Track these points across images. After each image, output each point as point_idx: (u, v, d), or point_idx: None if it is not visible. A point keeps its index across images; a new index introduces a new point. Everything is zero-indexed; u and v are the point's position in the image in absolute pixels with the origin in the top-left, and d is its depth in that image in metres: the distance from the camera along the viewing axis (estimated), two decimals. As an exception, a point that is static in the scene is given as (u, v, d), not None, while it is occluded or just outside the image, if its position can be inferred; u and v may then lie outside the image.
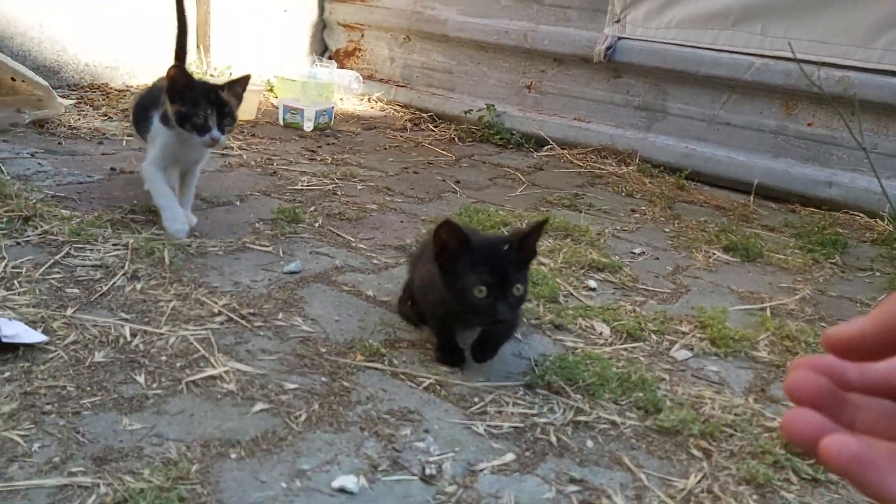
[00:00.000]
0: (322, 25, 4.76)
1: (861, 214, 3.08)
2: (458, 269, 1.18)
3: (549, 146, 3.77)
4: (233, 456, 1.02)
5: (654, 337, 1.64)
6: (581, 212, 2.74)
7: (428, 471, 1.04)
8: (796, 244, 2.61)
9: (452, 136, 3.82)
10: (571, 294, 1.87)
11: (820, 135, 3.29)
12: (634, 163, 3.55)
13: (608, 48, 3.61)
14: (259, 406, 1.15)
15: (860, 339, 0.35)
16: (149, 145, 1.86)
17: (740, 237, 2.55)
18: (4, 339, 1.17)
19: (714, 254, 2.41)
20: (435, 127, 3.99)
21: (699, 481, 1.12)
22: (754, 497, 1.10)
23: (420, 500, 0.99)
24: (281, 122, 3.51)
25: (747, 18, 3.30)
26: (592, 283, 1.97)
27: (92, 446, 1.00)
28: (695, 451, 1.20)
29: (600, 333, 1.63)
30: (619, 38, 3.61)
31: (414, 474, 1.04)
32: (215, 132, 1.70)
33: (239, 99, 1.78)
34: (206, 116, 1.68)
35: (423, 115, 4.12)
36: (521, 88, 4.04)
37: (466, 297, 1.17)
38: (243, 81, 1.80)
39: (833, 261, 2.49)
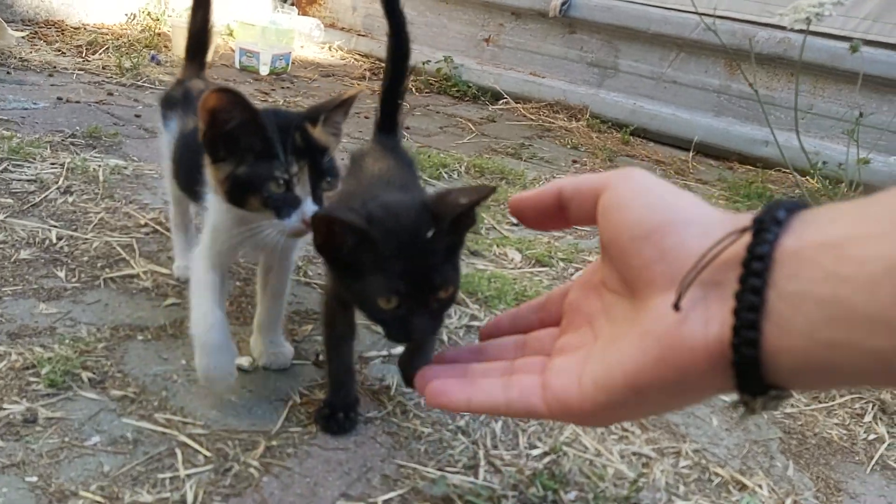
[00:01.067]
0: (285, -29, 4.73)
1: (794, 173, 3.22)
2: (358, 264, 0.74)
3: (504, 100, 3.84)
4: (139, 338, 1.12)
5: (561, 264, 1.76)
6: (523, 160, 2.84)
7: (322, 357, 1.15)
8: (722, 195, 2.75)
9: (410, 86, 3.88)
10: (494, 227, 1.98)
11: (759, 95, 3.41)
12: (584, 118, 3.65)
13: (563, 3, 3.67)
14: (171, 300, 1.24)
15: (535, 203, 0.47)
16: (205, 217, 1.03)
17: (671, 187, 2.67)
18: (-69, 234, 1.24)
19: (642, 200, 2.53)
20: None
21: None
22: (616, 390, 1.23)
23: (308, 378, 1.10)
24: (237, 65, 3.53)
25: (696, -22, 3.38)
26: (515, 220, 2.08)
27: (9, 325, 1.09)
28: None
29: (511, 259, 1.74)
30: (575, -6, 3.68)
31: (308, 360, 1.15)
32: (310, 206, 0.85)
33: (339, 135, 0.95)
34: (291, 179, 0.84)
35: (383, 64, 4.16)
36: (480, 42, 4.09)
37: (368, 307, 0.76)
38: (347, 104, 0.94)
39: (752, 210, 2.63)
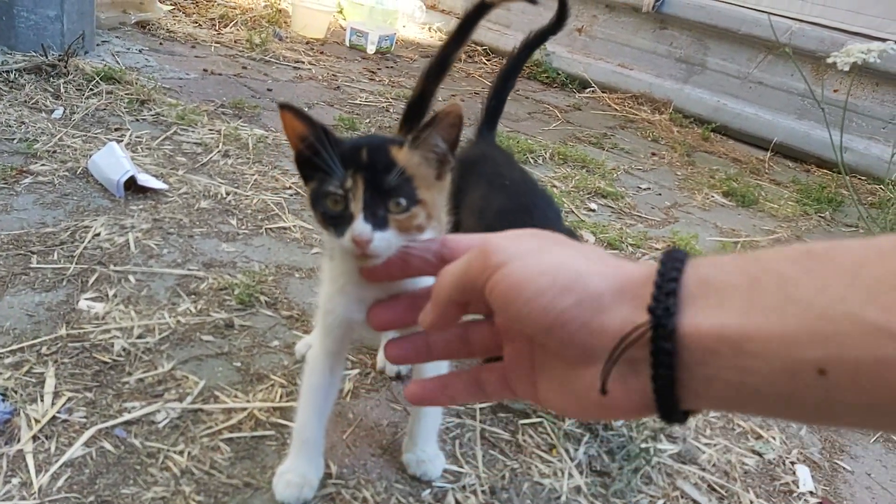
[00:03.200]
0: (394, -47, 5.03)
1: (868, 179, 3.32)
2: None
3: (592, 88, 4.05)
4: (296, 276, 1.47)
5: (629, 248, 2.01)
6: (604, 149, 3.07)
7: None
8: (792, 197, 2.90)
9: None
10: (572, 212, 2.24)
11: (843, 101, 3.49)
12: (668, 112, 3.82)
13: None
14: (315, 250, 1.59)
15: (435, 324, 0.50)
16: None
17: (743, 186, 2.86)
18: (140, 182, 1.62)
19: (713, 196, 2.73)
20: (487, 60, 4.30)
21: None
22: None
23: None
24: (347, 43, 3.88)
25: (792, -17, 3.47)
26: (593, 206, 2.34)
27: (202, 256, 1.46)
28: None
29: (586, 241, 2.01)
30: (670, -9, 3.82)
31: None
32: (360, 226, 0.74)
33: (440, 151, 0.81)
34: (346, 194, 0.76)
35: (479, 48, 4.43)
36: (573, 31, 4.29)
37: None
38: (446, 119, 0.80)
39: (822, 215, 2.79)
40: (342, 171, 0.75)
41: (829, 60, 1.57)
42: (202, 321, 1.26)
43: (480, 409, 1.20)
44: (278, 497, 0.93)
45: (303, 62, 3.29)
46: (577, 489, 1.07)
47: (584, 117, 3.58)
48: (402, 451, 1.05)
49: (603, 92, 4.02)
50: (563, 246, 0.46)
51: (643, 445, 1.17)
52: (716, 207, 2.64)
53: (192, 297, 1.32)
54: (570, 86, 4.09)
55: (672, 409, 0.39)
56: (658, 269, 0.40)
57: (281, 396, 1.11)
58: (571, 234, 1.30)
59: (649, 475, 1.13)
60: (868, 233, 2.71)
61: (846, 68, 1.57)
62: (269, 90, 2.74)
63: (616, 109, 3.84)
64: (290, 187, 1.88)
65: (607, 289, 0.41)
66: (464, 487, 1.02)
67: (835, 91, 3.50)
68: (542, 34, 1.49)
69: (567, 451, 1.14)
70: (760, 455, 1.25)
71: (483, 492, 1.03)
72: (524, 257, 0.44)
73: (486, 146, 1.48)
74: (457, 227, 1.45)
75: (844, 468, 1.28)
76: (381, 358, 1.25)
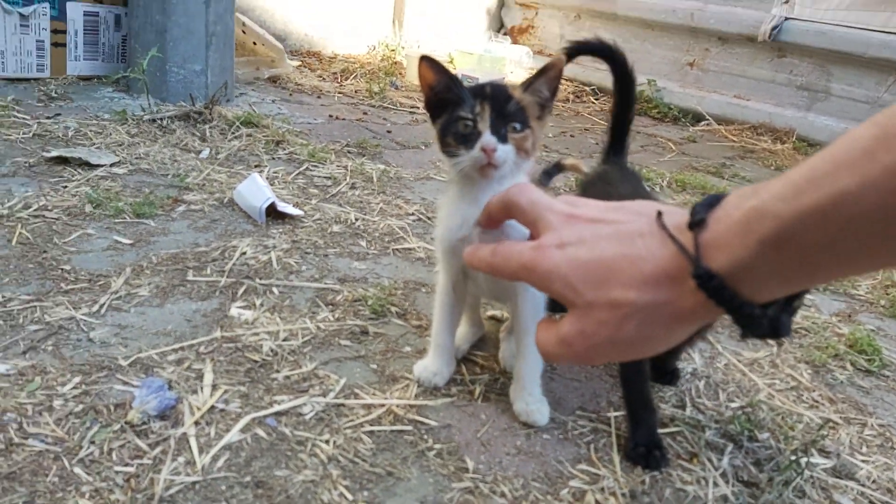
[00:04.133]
0: (500, 4, 5.22)
1: None
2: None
3: (706, 121, 3.96)
4: (423, 290, 1.52)
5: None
6: (724, 178, 2.98)
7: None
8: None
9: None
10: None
11: None
12: (790, 141, 3.67)
13: (774, 28, 3.72)
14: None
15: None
16: None
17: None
18: (279, 209, 1.75)
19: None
20: (596, 99, 4.32)
21: (765, 356, 1.45)
22: (808, 372, 1.41)
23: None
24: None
25: (925, 0, 3.29)
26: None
27: (336, 273, 1.54)
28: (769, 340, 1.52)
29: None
30: (787, 19, 3.71)
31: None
32: (488, 137, 0.96)
33: (543, 102, 1.03)
34: (475, 117, 0.98)
35: (586, 88, 4.46)
36: (684, 66, 4.24)
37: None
38: (551, 71, 1.02)
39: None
40: (472, 100, 1.00)
41: None
42: (340, 328, 1.32)
43: (615, 416, 1.17)
44: (416, 376, 1.17)
45: (417, 107, 3.44)
46: (724, 498, 1.02)
47: (700, 149, 3.50)
48: (511, 402, 1.14)
49: (719, 124, 3.92)
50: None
51: (792, 458, 1.10)
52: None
53: (330, 307, 1.39)
54: (683, 120, 4.02)
55: (701, 225, 0.46)
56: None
57: (417, 395, 1.14)
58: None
59: (802, 488, 1.06)
60: None
61: None
62: (389, 132, 2.88)
63: (734, 140, 3.73)
64: (412, 213, 1.96)
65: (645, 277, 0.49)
66: (602, 489, 1.00)
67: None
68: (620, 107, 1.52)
69: (710, 460, 1.09)
70: (929, 478, 1.14)
71: (623, 494, 1.00)
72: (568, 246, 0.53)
73: (606, 168, 1.47)
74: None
75: None
76: (501, 356, 1.28)
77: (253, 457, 0.97)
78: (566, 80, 4.68)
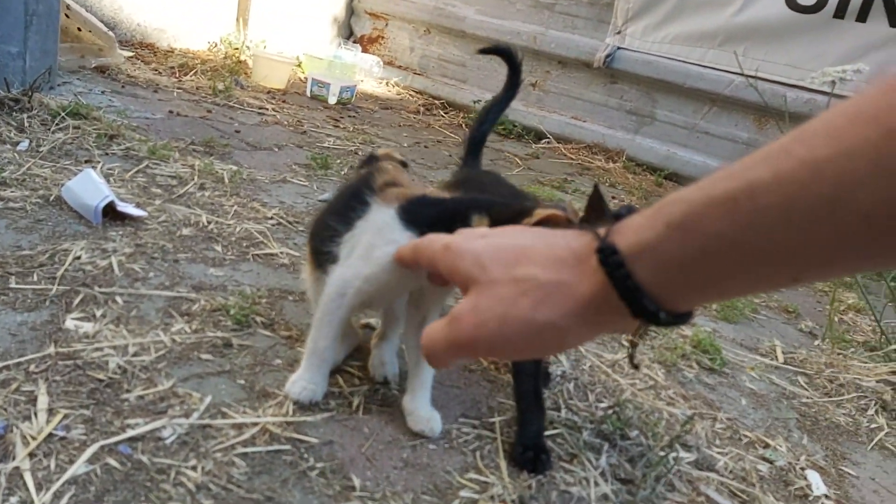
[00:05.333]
0: (350, 12, 5.16)
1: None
2: None
3: (547, 139, 4.18)
4: (290, 298, 1.42)
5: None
6: (567, 192, 3.14)
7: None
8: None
9: (461, 122, 4.23)
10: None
11: (785, 149, 3.71)
12: (621, 160, 3.97)
13: (608, 56, 4.02)
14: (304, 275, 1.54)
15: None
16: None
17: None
18: (119, 209, 1.56)
19: (676, 234, 2.82)
20: (445, 113, 4.40)
21: (624, 358, 1.52)
22: (662, 371, 1.50)
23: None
24: (308, 93, 3.90)
25: (732, 41, 3.71)
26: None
27: (190, 280, 1.40)
28: (624, 342, 1.60)
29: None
30: (619, 48, 4.03)
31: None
32: None
33: None
34: None
35: (436, 101, 4.53)
36: (527, 86, 4.44)
37: None
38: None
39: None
40: None
41: (808, 81, 1.67)
42: (199, 340, 1.19)
43: (499, 421, 1.16)
44: (291, 392, 1.07)
45: (266, 108, 3.29)
46: (605, 497, 1.04)
47: (543, 164, 3.67)
48: (406, 412, 1.10)
49: (558, 142, 4.15)
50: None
51: (661, 454, 1.15)
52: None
53: (186, 317, 1.25)
54: (526, 137, 4.21)
55: (613, 252, 0.44)
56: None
57: (294, 411, 1.05)
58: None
59: (672, 482, 1.11)
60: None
61: (825, 87, 1.68)
62: (237, 132, 2.71)
63: (572, 158, 3.96)
64: (271, 217, 1.84)
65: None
66: (492, 497, 0.98)
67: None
68: (502, 101, 1.58)
69: (589, 460, 1.11)
70: (771, 462, 1.25)
71: (512, 501, 0.98)
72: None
73: (468, 173, 1.50)
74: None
75: (850, 473, 1.30)
76: (371, 365, 1.22)
77: (105, 490, 0.83)
78: (417, 92, 4.72)
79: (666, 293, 0.43)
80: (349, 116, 3.70)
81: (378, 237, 1.00)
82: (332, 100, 3.86)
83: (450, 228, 0.89)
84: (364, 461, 0.99)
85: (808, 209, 0.37)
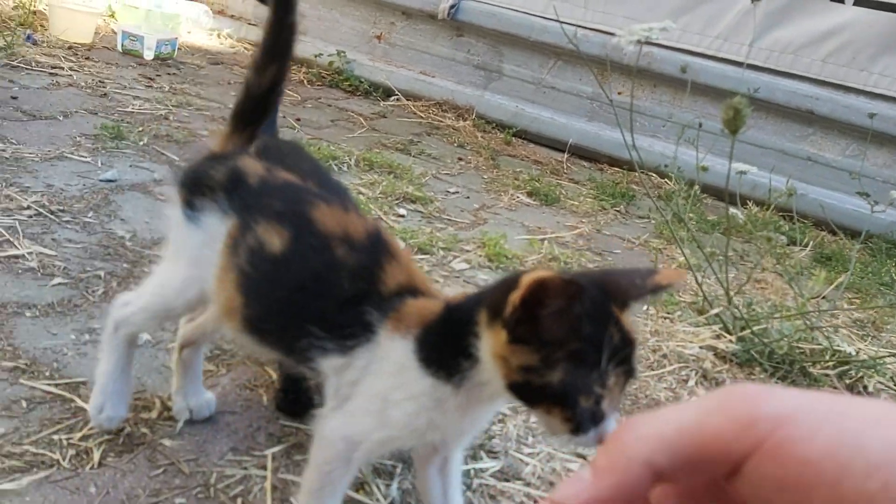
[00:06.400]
0: (173, -46, 4.62)
1: (655, 175, 3.57)
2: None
3: (396, 96, 3.97)
4: (28, 315, 1.16)
5: (441, 252, 1.91)
6: (411, 155, 2.98)
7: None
8: (590, 194, 3.01)
9: (302, 78, 3.92)
10: (381, 218, 2.10)
11: (627, 103, 3.74)
12: (471, 118, 3.84)
13: (452, 6, 3.85)
14: (58, 280, 1.28)
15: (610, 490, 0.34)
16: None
17: (545, 186, 2.91)
18: None
19: (518, 197, 2.74)
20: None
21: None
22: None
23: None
24: (119, 48, 3.44)
25: (574, -9, 3.65)
26: (402, 211, 2.22)
27: None
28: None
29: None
30: (463, -1, 3.86)
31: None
32: (611, 424, 0.65)
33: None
34: (605, 392, 0.65)
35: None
36: (372, 38, 4.20)
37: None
38: (662, 289, 0.71)
39: (618, 209, 2.92)
40: (607, 367, 0.63)
41: (614, 40, 1.58)
42: None
43: (274, 453, 0.99)
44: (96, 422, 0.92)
45: (62, 68, 2.84)
46: (391, 533, 0.91)
47: (390, 124, 3.48)
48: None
49: (408, 99, 3.96)
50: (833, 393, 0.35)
51: (463, 468, 1.04)
52: (521, 207, 2.64)
53: None
54: (375, 94, 3.98)
55: None
56: None
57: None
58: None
59: (470, 501, 1.00)
60: (658, 221, 2.88)
61: (630, 46, 1.60)
62: (14, 98, 2.30)
63: (421, 117, 3.79)
64: (28, 207, 1.53)
65: None
66: (249, 559, 0.82)
67: (619, 93, 3.73)
68: None
69: (378, 487, 0.97)
70: (585, 458, 1.18)
71: (274, 560, 0.82)
72: (816, 403, 0.32)
73: (266, 141, 1.28)
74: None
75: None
76: (180, 407, 1.01)
77: None
78: (252, 45, 4.33)
79: None
80: (168, 74, 3.30)
81: (394, 386, 0.73)
82: (149, 55, 3.43)
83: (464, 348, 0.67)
84: (82, 535, 0.79)
85: None
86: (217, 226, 0.84)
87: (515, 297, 0.61)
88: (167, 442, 0.96)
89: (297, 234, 0.79)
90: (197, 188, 0.87)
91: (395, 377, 0.73)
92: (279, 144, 1.27)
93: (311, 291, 0.77)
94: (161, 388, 1.07)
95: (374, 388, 0.74)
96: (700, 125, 2.40)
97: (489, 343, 0.66)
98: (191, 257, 0.86)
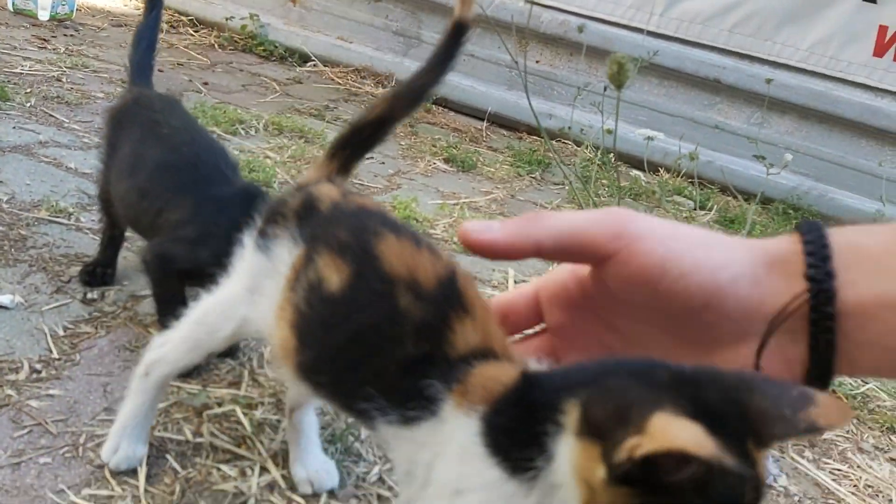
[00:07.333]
0: None
1: (572, 143, 3.63)
2: None
3: (313, 62, 3.87)
4: None
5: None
6: (325, 121, 2.92)
7: (90, 296, 1.18)
8: (507, 161, 3.04)
9: (213, 42, 3.77)
10: (287, 182, 2.05)
11: (545, 71, 3.77)
12: (391, 85, 3.79)
13: (368, -30, 3.76)
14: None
15: (494, 245, 0.47)
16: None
17: (462, 153, 2.91)
18: None
19: (434, 163, 2.74)
20: (195, 31, 3.89)
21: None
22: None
23: (74, 315, 1.13)
24: (10, 7, 3.21)
25: (492, -44, 3.63)
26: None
27: None
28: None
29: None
30: (377, -38, 3.79)
31: (75, 298, 1.17)
32: None
33: None
34: None
35: (183, 18, 3.99)
36: (286, 2, 4.07)
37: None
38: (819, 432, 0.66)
39: (533, 175, 2.96)
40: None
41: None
42: None
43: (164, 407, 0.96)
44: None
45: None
46: (271, 485, 0.89)
47: (306, 90, 3.40)
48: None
49: (325, 65, 3.87)
50: (680, 224, 0.47)
51: (345, 426, 1.03)
52: (437, 173, 2.64)
53: None
54: (291, 59, 3.87)
55: (827, 376, 0.40)
56: (803, 239, 0.41)
57: None
58: (253, 190, 1.11)
59: (359, 451, 1.00)
60: (572, 189, 2.93)
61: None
62: None
63: (339, 83, 3.71)
64: None
65: (758, 262, 0.42)
66: (118, 516, 0.79)
67: (537, 62, 3.76)
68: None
69: (261, 441, 0.96)
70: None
71: (144, 517, 0.80)
72: (662, 229, 0.45)
73: (142, 92, 1.23)
74: (105, 195, 1.18)
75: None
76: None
77: None
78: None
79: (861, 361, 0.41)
80: (65, 36, 3.11)
81: (462, 476, 0.57)
82: (44, 15, 3.22)
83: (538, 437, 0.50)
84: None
85: None
86: (284, 255, 0.72)
87: (636, 450, 0.42)
88: (34, 403, 0.91)
89: (358, 272, 0.65)
90: (272, 216, 0.76)
91: (460, 465, 0.58)
92: (152, 97, 1.22)
93: (368, 345, 0.63)
94: (31, 350, 1.01)
95: (445, 477, 0.60)
96: (605, 89, 2.44)
97: (575, 456, 0.49)
98: (247, 286, 0.76)
